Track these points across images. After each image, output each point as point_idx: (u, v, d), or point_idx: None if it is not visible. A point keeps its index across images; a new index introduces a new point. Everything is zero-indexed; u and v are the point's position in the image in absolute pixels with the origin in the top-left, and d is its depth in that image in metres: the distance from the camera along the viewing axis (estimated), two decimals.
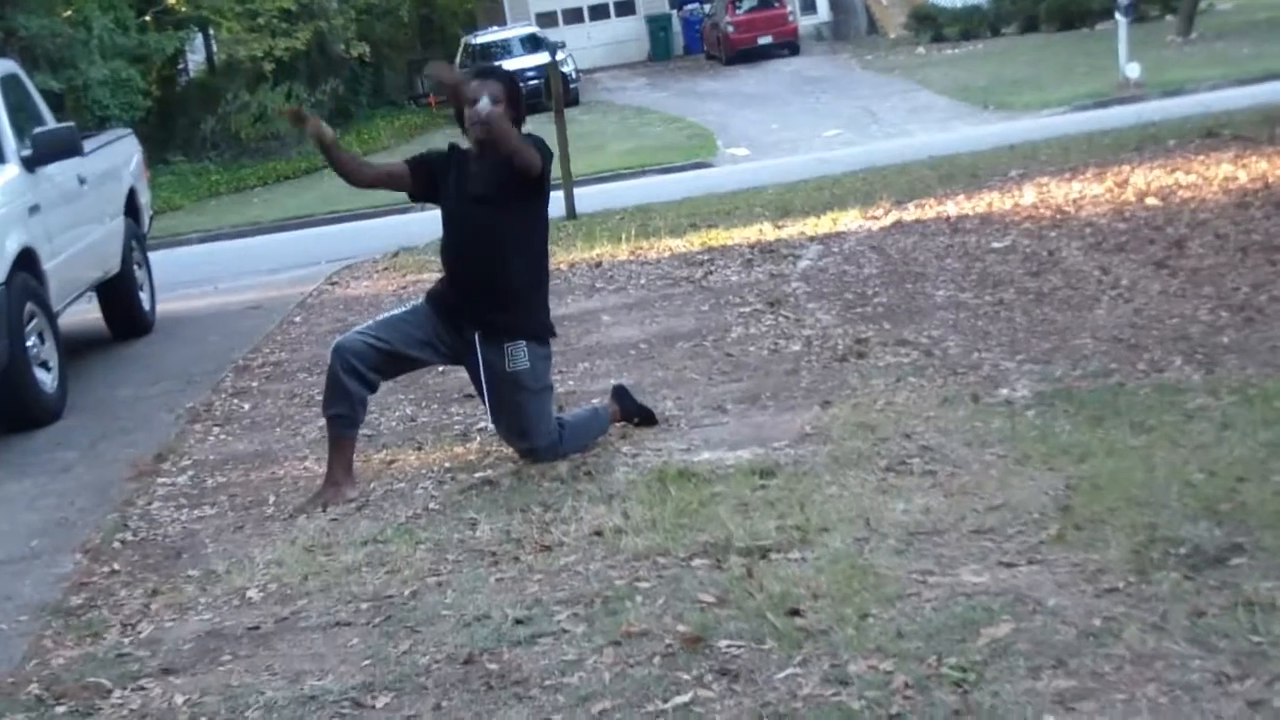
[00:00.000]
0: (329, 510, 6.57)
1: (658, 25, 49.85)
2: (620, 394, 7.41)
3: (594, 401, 7.48)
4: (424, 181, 6.91)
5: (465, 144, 6.88)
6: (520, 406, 6.79)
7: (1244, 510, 5.01)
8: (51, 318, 9.96)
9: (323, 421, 7.03)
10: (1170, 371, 7.13)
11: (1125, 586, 4.52)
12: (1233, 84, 26.01)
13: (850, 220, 13.57)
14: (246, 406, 9.27)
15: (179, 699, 4.68)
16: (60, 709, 4.75)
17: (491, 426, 7.11)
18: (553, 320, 7.08)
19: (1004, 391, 7.09)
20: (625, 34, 50.67)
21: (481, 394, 6.92)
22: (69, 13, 29.04)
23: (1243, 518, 4.94)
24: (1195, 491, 5.25)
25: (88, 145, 11.52)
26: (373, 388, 6.85)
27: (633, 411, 7.34)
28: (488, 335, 6.75)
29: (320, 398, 7.14)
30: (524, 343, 6.76)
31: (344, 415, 6.78)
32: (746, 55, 44.02)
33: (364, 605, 5.30)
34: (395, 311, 7.13)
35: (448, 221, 6.87)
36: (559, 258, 13.14)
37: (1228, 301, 8.42)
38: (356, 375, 6.72)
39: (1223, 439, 5.87)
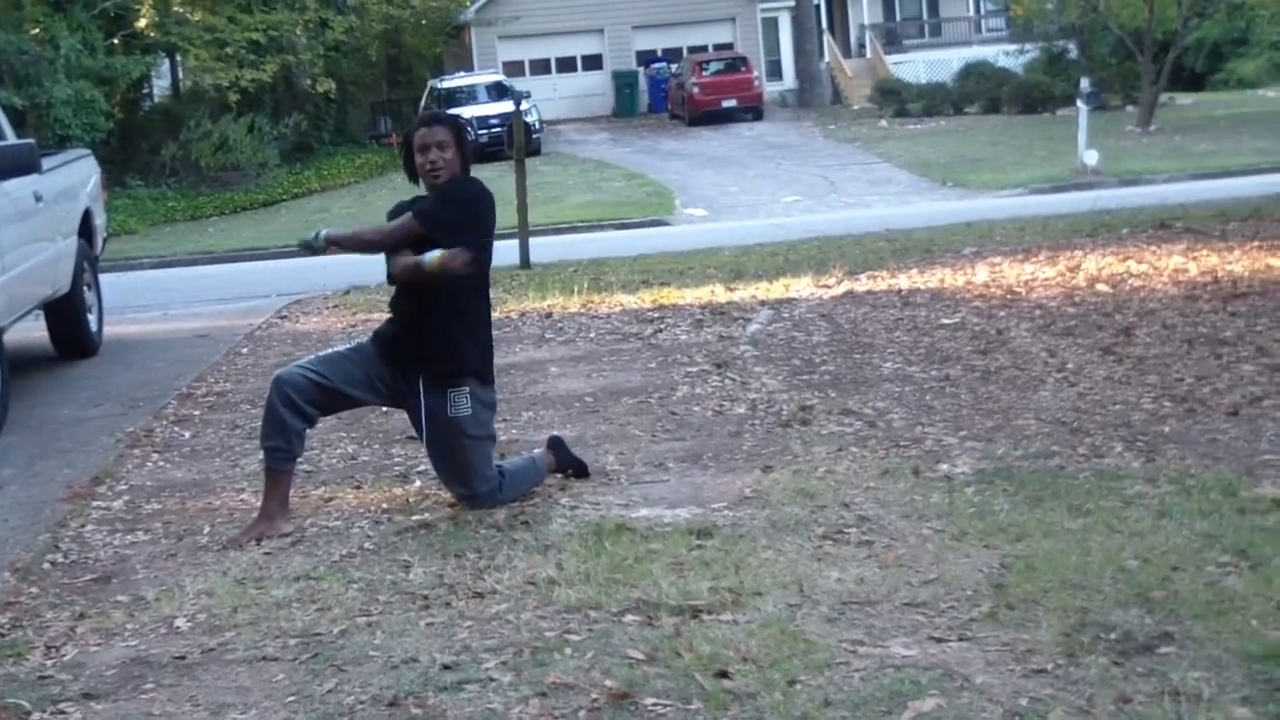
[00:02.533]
0: (262, 543, 6.53)
1: (624, 82, 50.07)
2: (556, 445, 7.41)
3: (532, 451, 7.47)
4: None
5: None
6: (461, 452, 6.78)
7: (1176, 599, 5.03)
8: None
9: (262, 454, 7.00)
10: (1111, 457, 7.17)
11: (1054, 668, 4.52)
12: (1188, 177, 26.33)
13: (803, 287, 13.62)
14: (187, 435, 9.22)
15: None
16: None
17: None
18: (500, 368, 7.08)
19: (945, 467, 7.11)
20: (591, 88, 50.90)
21: (421, 436, 6.92)
22: (37, 30, 28.98)
23: (1174, 607, 4.96)
24: (1129, 578, 5.27)
25: (46, 163, 11.47)
26: (310, 422, 6.84)
27: (567, 463, 7.34)
28: (432, 379, 6.75)
29: (260, 430, 7.11)
30: (468, 389, 6.75)
31: (281, 448, 6.75)
32: (710, 117, 44.26)
33: (292, 641, 5.26)
34: (339, 348, 7.12)
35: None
36: (510, 306, 13.15)
37: (1171, 391, 8.48)
38: (294, 408, 6.70)
39: (1159, 527, 5.90)
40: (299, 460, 7.04)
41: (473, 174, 6.96)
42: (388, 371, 6.83)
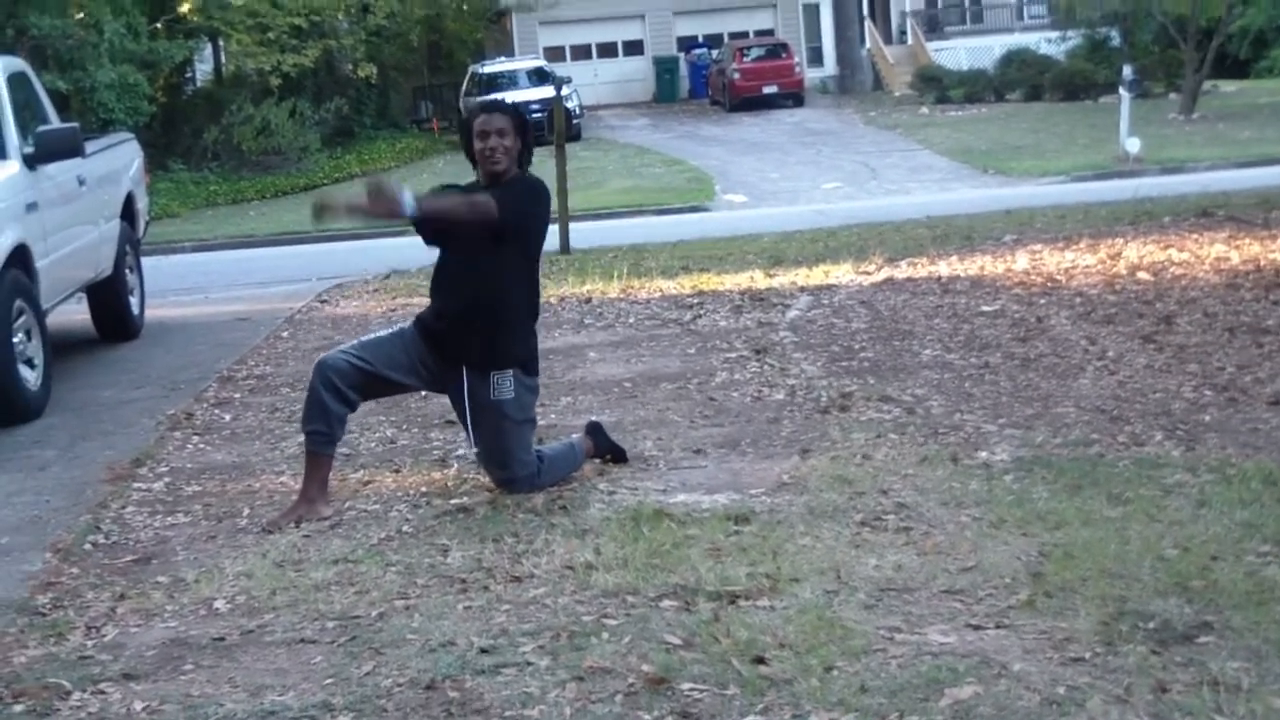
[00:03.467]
0: (302, 526, 6.56)
1: (664, 67, 50.03)
2: (595, 430, 7.41)
3: (571, 436, 7.48)
4: None
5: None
6: (502, 436, 6.79)
7: (1215, 589, 5.01)
8: (40, 315, 9.95)
9: (302, 437, 7.03)
10: (1150, 446, 7.14)
11: (1092, 657, 4.52)
12: (1231, 165, 26.12)
13: (842, 274, 13.60)
14: (227, 417, 9.26)
15: (138, 705, 4.66)
16: (18, 708, 4.72)
17: (472, 454, 7.12)
18: (539, 353, 7.10)
19: (983, 454, 7.09)
20: (632, 74, 50.89)
21: (463, 421, 6.93)
22: (81, 15, 29.11)
23: (1213, 596, 4.94)
24: (1168, 567, 5.25)
25: (90, 147, 11.53)
26: (352, 407, 6.86)
27: (605, 449, 7.35)
28: (475, 366, 6.77)
29: (302, 414, 7.15)
30: (510, 372, 6.77)
31: (322, 432, 6.78)
32: (751, 103, 44.15)
33: (330, 624, 5.29)
34: (381, 333, 7.14)
35: (451, 253, 6.87)
36: (549, 291, 13.15)
37: (1212, 380, 8.44)
38: (337, 393, 6.72)
39: (1199, 516, 5.88)
40: (338, 444, 7.07)
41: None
42: (430, 356, 6.85)
